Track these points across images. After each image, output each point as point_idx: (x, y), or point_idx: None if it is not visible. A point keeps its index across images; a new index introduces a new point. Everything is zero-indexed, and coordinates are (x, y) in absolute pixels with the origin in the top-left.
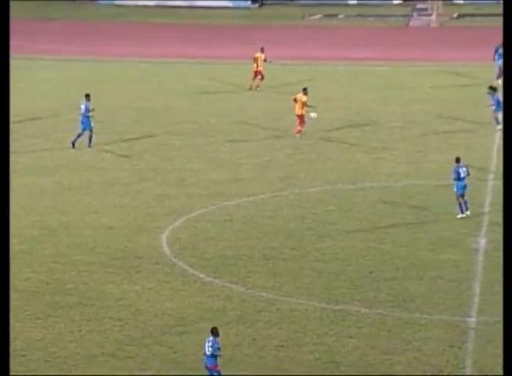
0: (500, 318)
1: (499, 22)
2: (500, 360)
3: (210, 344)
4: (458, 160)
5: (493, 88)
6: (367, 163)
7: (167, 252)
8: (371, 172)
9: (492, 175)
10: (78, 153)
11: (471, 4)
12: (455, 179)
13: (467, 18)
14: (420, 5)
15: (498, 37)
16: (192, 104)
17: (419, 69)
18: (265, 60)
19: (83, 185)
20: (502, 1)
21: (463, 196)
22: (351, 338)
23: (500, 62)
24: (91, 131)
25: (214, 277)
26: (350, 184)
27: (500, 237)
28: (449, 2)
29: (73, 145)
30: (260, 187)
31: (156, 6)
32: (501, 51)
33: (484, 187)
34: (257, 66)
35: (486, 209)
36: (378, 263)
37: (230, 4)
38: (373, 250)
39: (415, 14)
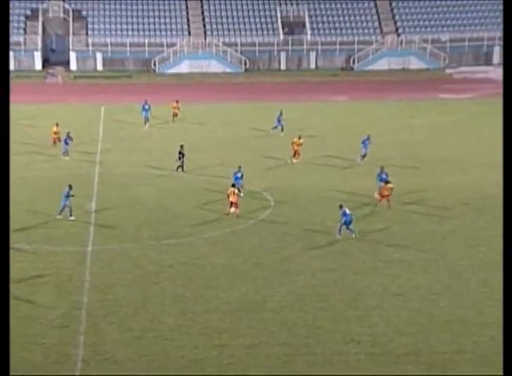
0: (110, 247)
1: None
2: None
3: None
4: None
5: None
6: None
7: None
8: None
9: None
10: None
11: (100, 71)
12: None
13: (79, 79)
14: (51, 70)
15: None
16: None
17: (64, 108)
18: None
19: None
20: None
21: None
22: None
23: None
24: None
25: None
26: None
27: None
28: (68, 69)
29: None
30: None
31: None
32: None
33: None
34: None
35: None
36: None
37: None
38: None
39: (49, 75)
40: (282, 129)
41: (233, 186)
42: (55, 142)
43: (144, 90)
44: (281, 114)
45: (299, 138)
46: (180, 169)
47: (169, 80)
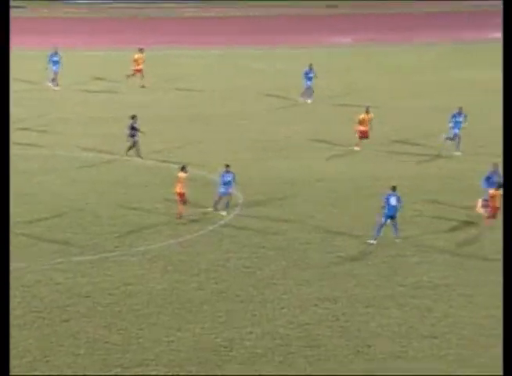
0: None
1: None
2: None
3: None
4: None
5: None
6: None
7: None
8: None
9: None
10: None
11: None
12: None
13: None
14: None
15: None
16: None
17: None
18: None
19: None
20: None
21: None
22: None
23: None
24: None
25: None
26: None
27: None
28: None
29: None
30: None
31: None
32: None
33: None
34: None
35: None
36: None
37: None
38: None
39: None
40: (310, 93)
41: (183, 169)
42: None
43: (46, 28)
44: (311, 70)
45: (367, 112)
46: (132, 151)
47: (86, 13)
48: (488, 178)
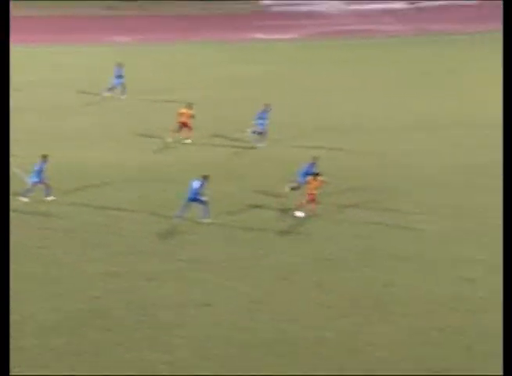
0: None
1: None
2: None
3: None
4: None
5: None
6: None
7: None
8: None
9: None
10: None
11: None
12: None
13: None
14: None
15: None
16: None
17: None
18: None
19: None
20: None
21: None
22: None
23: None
24: None
25: None
26: None
27: None
28: None
29: None
30: None
31: None
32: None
33: None
34: None
35: None
36: None
37: None
38: None
39: None
40: (123, 89)
41: None
42: None
43: None
44: (120, 67)
45: (189, 107)
46: None
47: None
48: (305, 174)
